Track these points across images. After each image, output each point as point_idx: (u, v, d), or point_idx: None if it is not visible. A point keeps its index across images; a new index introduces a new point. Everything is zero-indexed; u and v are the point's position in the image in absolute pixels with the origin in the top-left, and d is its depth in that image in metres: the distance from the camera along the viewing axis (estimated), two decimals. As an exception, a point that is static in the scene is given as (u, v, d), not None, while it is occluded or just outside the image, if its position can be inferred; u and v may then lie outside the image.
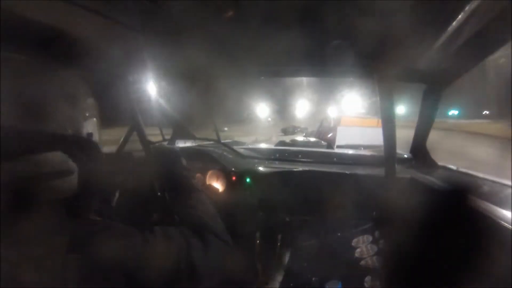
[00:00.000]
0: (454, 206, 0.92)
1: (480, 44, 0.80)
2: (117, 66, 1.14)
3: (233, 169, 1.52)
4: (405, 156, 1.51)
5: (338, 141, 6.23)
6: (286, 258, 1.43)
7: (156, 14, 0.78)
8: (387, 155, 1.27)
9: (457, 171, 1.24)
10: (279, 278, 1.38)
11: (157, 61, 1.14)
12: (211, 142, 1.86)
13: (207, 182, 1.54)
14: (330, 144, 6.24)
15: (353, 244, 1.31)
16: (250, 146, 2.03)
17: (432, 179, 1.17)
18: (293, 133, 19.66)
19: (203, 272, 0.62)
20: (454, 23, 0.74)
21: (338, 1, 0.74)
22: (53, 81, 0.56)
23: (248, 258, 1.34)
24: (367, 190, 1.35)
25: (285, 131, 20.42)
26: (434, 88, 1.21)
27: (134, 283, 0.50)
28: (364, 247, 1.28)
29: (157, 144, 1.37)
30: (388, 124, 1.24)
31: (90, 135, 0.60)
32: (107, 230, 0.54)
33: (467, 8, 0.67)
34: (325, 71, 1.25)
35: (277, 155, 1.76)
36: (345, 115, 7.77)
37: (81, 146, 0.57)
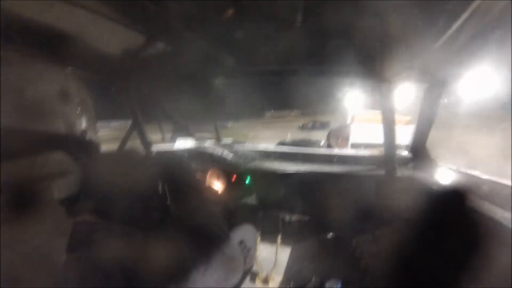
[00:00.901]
0: (454, 206, 0.92)
1: (480, 44, 0.80)
2: (117, 66, 1.14)
3: (233, 169, 1.52)
4: (405, 156, 1.51)
5: (353, 139, 5.82)
6: (286, 258, 1.43)
7: (156, 14, 0.78)
8: (387, 155, 1.27)
9: (457, 171, 1.24)
10: (279, 278, 1.38)
11: (157, 61, 1.14)
12: (211, 142, 1.86)
13: (207, 182, 1.54)
14: (346, 141, 5.85)
15: (353, 244, 1.31)
16: (250, 146, 2.03)
17: (432, 179, 1.17)
18: (313, 129, 17.59)
19: (200, 273, 0.62)
20: (454, 23, 0.73)
21: (338, 1, 0.74)
22: (53, 81, 0.56)
23: (247, 258, 1.34)
24: (367, 190, 1.35)
25: (303, 127, 18.65)
26: (434, 88, 1.21)
27: (133, 283, 0.50)
28: (364, 247, 1.28)
29: (165, 149, 1.37)
30: (388, 124, 1.24)
31: (89, 134, 0.59)
32: (107, 231, 0.54)
33: (467, 8, 0.67)
34: (325, 71, 1.25)
35: (277, 155, 1.76)
36: (359, 111, 7.07)
37: (81, 146, 0.57)
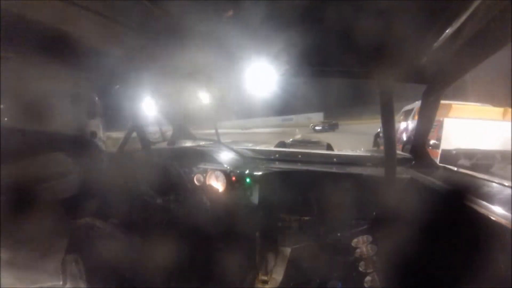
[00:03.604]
0: (454, 206, 0.92)
1: (480, 44, 0.80)
2: (117, 66, 1.14)
3: (233, 169, 1.52)
4: (405, 156, 1.51)
5: (445, 143, 3.91)
6: (286, 258, 1.43)
7: (156, 14, 0.78)
8: (387, 155, 1.27)
9: (457, 172, 1.24)
10: (279, 278, 1.37)
11: (157, 61, 1.14)
12: (211, 142, 1.86)
13: (207, 182, 1.54)
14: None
15: (353, 244, 1.31)
16: (250, 146, 2.03)
17: (432, 179, 1.17)
18: (323, 130, 18.00)
19: (201, 272, 0.62)
20: (454, 23, 0.74)
21: (338, 1, 0.74)
22: (54, 82, 0.56)
23: (248, 257, 1.34)
24: (367, 190, 1.35)
25: (314, 129, 19.04)
26: (434, 88, 1.21)
27: (132, 283, 0.50)
28: (364, 247, 1.28)
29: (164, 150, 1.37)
30: (388, 124, 1.24)
31: (93, 134, 0.60)
32: (106, 231, 0.54)
33: (467, 8, 0.67)
34: (325, 71, 1.25)
35: (277, 155, 1.76)
36: (457, 102, 4.61)
37: (82, 147, 0.57)
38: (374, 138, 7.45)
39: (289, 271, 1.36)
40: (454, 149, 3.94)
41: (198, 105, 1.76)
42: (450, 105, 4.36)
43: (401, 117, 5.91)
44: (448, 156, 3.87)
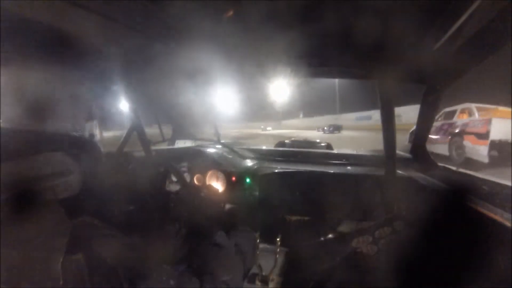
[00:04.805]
0: (454, 206, 0.92)
1: (480, 44, 0.80)
2: (117, 66, 1.14)
3: (233, 169, 1.52)
4: (405, 156, 1.51)
5: (493, 135, 5.54)
6: (286, 258, 1.43)
7: (156, 14, 0.78)
8: (387, 155, 1.27)
9: (456, 171, 1.24)
10: (279, 278, 1.37)
11: (157, 61, 1.14)
12: (211, 142, 1.87)
13: (207, 182, 1.54)
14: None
15: (353, 244, 1.31)
16: (250, 147, 2.03)
17: (432, 179, 1.17)
18: (327, 131, 19.57)
19: (201, 272, 0.62)
20: (454, 23, 0.74)
21: (338, 2, 0.74)
22: (54, 82, 0.56)
23: (247, 257, 1.33)
24: (367, 190, 1.35)
25: (323, 130, 20.75)
26: (434, 88, 1.21)
27: (133, 283, 0.50)
28: (364, 247, 1.28)
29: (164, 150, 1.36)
30: (388, 124, 1.24)
31: (91, 135, 0.60)
32: (106, 231, 0.54)
33: (467, 8, 0.67)
34: (325, 72, 1.26)
35: (277, 155, 1.76)
36: (502, 107, 6.41)
37: (82, 147, 0.57)
38: (409, 136, 7.98)
39: (289, 271, 1.36)
40: (498, 139, 5.53)
41: (201, 105, 1.76)
42: (496, 108, 6.27)
43: (440, 118, 7.56)
44: (495, 143, 5.50)
